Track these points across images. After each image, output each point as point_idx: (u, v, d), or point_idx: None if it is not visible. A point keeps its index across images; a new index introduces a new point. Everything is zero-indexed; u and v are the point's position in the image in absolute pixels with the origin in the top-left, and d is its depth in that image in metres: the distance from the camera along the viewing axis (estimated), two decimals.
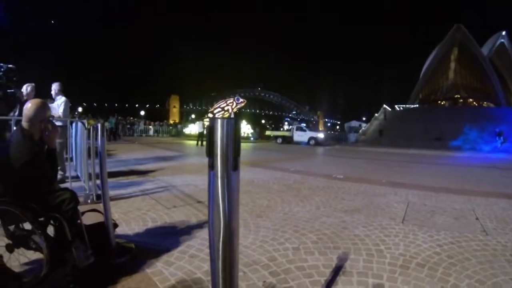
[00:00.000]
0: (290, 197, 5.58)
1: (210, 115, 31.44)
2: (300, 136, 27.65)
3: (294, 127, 30.43)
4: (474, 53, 53.90)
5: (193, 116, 70.40)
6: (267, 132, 36.25)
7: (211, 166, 0.90)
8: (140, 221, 3.85)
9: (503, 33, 57.46)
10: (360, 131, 48.34)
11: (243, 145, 21.46)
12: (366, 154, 18.75)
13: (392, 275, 2.62)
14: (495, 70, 54.45)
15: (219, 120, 0.88)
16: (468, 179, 9.02)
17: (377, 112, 49.68)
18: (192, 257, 2.84)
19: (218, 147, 0.90)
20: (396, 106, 51.91)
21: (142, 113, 61.96)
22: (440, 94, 62.85)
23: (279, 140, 29.12)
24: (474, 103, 59.10)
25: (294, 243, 3.30)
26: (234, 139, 0.90)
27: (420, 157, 17.51)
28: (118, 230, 3.18)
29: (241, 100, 32.45)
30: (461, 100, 61.36)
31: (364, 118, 68.11)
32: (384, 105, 49.33)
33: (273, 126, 61.64)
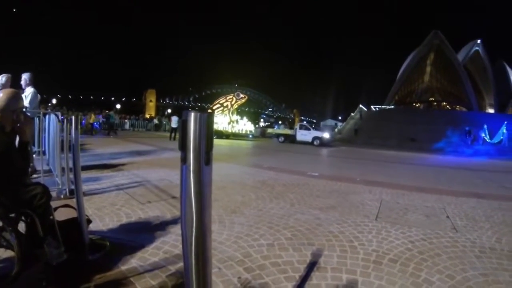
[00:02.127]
0: (265, 193, 5.60)
1: (209, 111, 30.49)
2: (304, 135, 25.72)
3: (298, 125, 28.16)
4: (449, 59, 55.70)
5: (169, 110, 69.35)
6: (269, 130, 34.66)
7: (184, 160, 0.89)
8: (114, 217, 3.77)
9: (478, 41, 59.63)
10: (336, 129, 48.84)
11: (235, 143, 21.30)
12: (344, 153, 19.02)
13: (365, 271, 2.69)
14: (469, 76, 56.43)
15: (192, 114, 0.87)
16: (440, 179, 9.33)
17: (353, 112, 50.53)
18: (166, 253, 2.82)
19: (191, 140, 0.89)
20: (372, 106, 52.93)
21: (118, 106, 60.65)
22: (415, 97, 64.76)
23: (281, 139, 27.34)
24: (448, 106, 61.32)
25: (268, 240, 3.32)
26: (207, 133, 0.90)
27: (394, 157, 17.95)
28: (92, 226, 3.11)
29: (241, 95, 31.15)
30: (436, 103, 63.53)
31: (340, 117, 68.88)
32: (360, 105, 50.22)
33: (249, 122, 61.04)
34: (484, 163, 16.54)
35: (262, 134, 35.33)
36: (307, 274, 2.57)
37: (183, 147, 0.89)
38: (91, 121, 23.06)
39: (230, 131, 28.64)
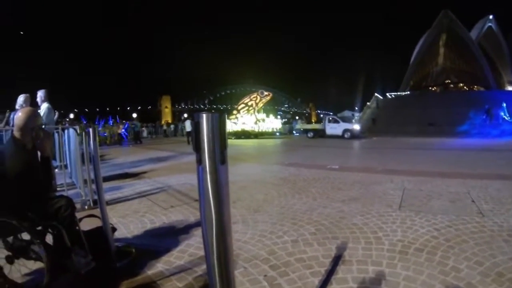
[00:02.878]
0: (286, 190, 5.60)
1: (235, 112, 30.26)
2: (333, 129, 24.52)
3: (326, 119, 26.55)
4: (462, 38, 54.23)
5: (185, 115, 69.90)
6: (297, 126, 33.13)
7: (199, 161, 0.92)
8: (138, 224, 3.85)
9: (491, 17, 57.96)
10: (353, 120, 48.26)
11: (261, 142, 21.19)
12: (373, 144, 18.79)
13: (391, 262, 2.65)
14: (484, 54, 54.82)
15: (204, 115, 0.90)
16: (463, 162, 9.12)
17: (369, 101, 49.83)
18: (191, 256, 2.85)
19: (205, 141, 0.91)
20: (387, 94, 52.08)
21: (135, 115, 61.60)
22: (430, 80, 63.41)
23: (310, 134, 26.06)
24: (465, 87, 59.74)
25: (292, 236, 3.31)
26: (220, 132, 0.91)
27: (414, 143, 17.62)
28: (117, 234, 3.18)
29: (265, 93, 30.53)
30: (452, 85, 62.02)
31: (356, 108, 67.91)
32: (376, 94, 49.48)
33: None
34: (507, 143, 16.06)
35: (290, 131, 34.46)
36: (332, 268, 2.56)
37: (198, 148, 0.92)
38: (119, 131, 23.62)
39: (257, 130, 28.23)
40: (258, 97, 30.00)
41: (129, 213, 4.31)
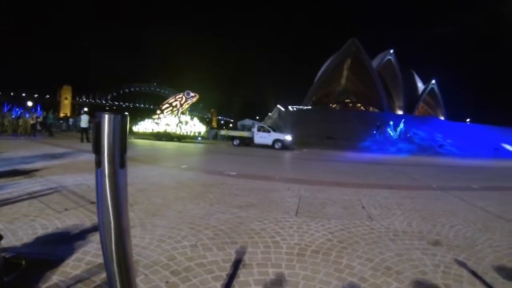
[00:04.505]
0: (184, 194, 5.59)
1: (159, 111, 28.97)
2: (263, 138, 23.53)
3: (256, 126, 25.07)
4: (365, 65, 60.67)
5: (85, 109, 64.36)
6: (222, 132, 31.77)
7: (98, 164, 0.89)
8: (28, 230, 3.43)
9: (391, 51, 66.19)
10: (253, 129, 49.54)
11: (181, 146, 20.28)
12: (265, 152, 19.53)
13: (290, 263, 2.86)
14: (382, 81, 62.09)
15: (106, 116, 0.88)
16: (357, 174, 10.18)
17: (271, 112, 51.90)
18: (89, 264, 2.65)
19: (105, 144, 0.88)
20: (289, 106, 54.77)
21: (30, 103, 54.69)
22: (332, 98, 69.55)
23: (236, 142, 24.97)
24: (362, 107, 66.92)
25: (191, 241, 3.32)
26: (121, 135, 0.89)
27: (313, 154, 18.98)
28: (3, 242, 2.80)
29: (191, 94, 29.40)
30: (351, 104, 68.95)
31: (257, 117, 69.87)
32: (278, 105, 51.79)
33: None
34: (398, 159, 18.38)
35: (214, 136, 33.59)
36: (233, 272, 2.64)
37: (97, 150, 0.89)
38: (32, 121, 21.56)
39: (178, 133, 27.04)
40: (184, 97, 29.05)
41: (18, 217, 3.82)
